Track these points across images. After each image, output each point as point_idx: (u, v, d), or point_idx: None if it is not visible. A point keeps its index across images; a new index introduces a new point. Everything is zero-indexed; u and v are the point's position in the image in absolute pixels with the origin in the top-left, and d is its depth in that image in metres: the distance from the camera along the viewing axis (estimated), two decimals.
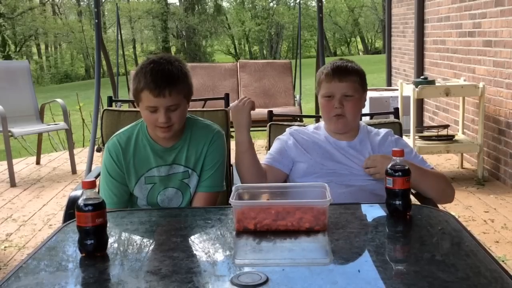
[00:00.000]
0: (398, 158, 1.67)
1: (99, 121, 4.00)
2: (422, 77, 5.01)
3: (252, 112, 2.16)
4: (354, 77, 2.19)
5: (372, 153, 2.19)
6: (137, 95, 2.01)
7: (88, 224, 1.45)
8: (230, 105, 2.20)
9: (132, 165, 2.10)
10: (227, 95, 3.70)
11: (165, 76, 1.95)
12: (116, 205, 2.10)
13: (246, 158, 2.12)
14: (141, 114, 2.09)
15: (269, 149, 2.48)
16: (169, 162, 2.12)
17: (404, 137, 2.52)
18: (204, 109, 2.90)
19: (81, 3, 33.05)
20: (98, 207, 1.46)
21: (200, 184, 2.15)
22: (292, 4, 34.60)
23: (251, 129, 2.20)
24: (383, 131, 2.31)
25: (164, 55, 2.08)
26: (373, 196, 2.09)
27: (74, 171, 5.49)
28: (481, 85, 4.68)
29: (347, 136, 2.24)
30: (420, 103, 6.53)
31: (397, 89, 5.76)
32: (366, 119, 2.79)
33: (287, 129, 2.34)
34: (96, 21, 5.49)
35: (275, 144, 2.29)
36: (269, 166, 2.21)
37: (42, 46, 32.04)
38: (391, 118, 2.72)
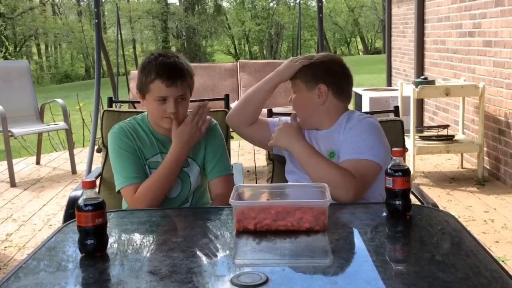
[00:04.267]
0: (398, 158, 1.67)
1: (99, 122, 4.00)
2: (422, 77, 5.01)
3: None
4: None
5: (339, 137, 2.07)
6: (145, 87, 2.06)
7: (88, 224, 1.45)
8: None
9: (139, 149, 2.12)
10: (227, 95, 3.71)
11: (176, 67, 2.05)
12: (140, 179, 2.06)
13: (260, 98, 2.21)
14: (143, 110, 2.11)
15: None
16: None
17: (404, 137, 2.51)
18: None
19: (81, 3, 33.07)
20: (98, 207, 1.46)
21: (212, 171, 2.18)
22: (292, 4, 34.61)
23: None
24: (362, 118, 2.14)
25: (168, 50, 2.20)
26: None
27: (74, 171, 5.49)
28: (481, 85, 4.68)
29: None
30: (420, 103, 6.53)
31: (397, 89, 5.75)
32: None
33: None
34: (96, 21, 5.48)
35: None
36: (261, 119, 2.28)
37: (42, 46, 32.04)
38: (391, 116, 2.71)
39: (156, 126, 2.15)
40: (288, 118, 2.22)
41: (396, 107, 2.79)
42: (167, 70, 2.02)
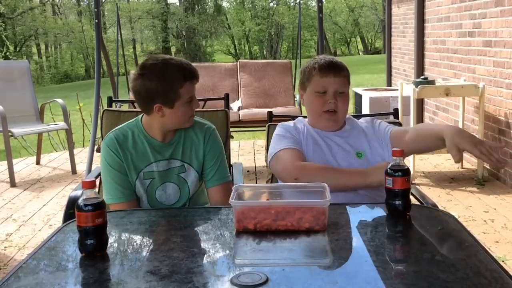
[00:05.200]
0: (398, 158, 1.67)
1: (99, 121, 4.00)
2: (422, 77, 5.01)
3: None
4: (346, 73, 2.19)
5: (360, 138, 2.19)
6: (175, 95, 2.02)
7: (88, 224, 1.45)
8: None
9: (131, 161, 2.10)
10: (227, 95, 3.70)
11: (190, 64, 2.08)
12: (126, 198, 2.09)
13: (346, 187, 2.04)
14: (144, 117, 2.13)
15: (267, 149, 2.47)
16: (167, 156, 2.13)
17: None
18: (204, 109, 2.90)
19: (81, 3, 33.08)
20: (98, 207, 1.46)
21: (211, 179, 2.18)
22: (292, 4, 34.62)
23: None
24: (364, 119, 2.31)
25: (159, 55, 2.17)
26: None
27: (74, 171, 5.49)
28: (481, 85, 4.68)
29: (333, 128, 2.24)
30: (420, 103, 6.53)
31: (397, 89, 5.75)
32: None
33: (278, 126, 2.32)
34: (96, 21, 5.49)
35: (281, 135, 2.22)
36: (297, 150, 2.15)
37: (42, 46, 32.07)
38: (391, 118, 2.73)
39: (154, 132, 2.12)
40: (288, 122, 2.25)
41: (396, 110, 2.80)
42: (190, 70, 2.04)
